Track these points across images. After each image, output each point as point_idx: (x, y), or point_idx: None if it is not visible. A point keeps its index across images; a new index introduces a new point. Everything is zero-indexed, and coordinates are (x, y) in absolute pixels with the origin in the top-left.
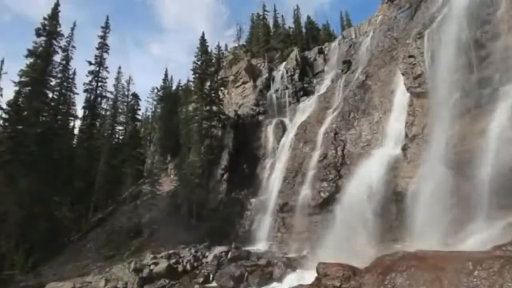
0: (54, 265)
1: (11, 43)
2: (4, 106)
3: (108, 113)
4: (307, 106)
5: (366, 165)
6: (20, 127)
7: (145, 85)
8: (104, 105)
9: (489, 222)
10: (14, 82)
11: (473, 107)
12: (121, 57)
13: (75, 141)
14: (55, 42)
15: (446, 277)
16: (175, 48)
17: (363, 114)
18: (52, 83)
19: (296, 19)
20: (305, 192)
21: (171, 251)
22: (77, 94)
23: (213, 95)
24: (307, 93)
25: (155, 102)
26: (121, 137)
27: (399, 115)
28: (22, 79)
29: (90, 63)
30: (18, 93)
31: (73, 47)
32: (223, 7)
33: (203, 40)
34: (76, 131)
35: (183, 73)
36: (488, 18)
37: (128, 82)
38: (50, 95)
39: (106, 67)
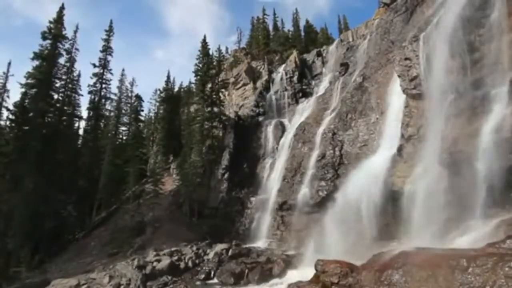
0: (59, 262)
1: (22, 47)
2: (11, 107)
3: (112, 114)
4: (306, 107)
5: (363, 165)
6: (26, 127)
7: (148, 87)
8: (108, 106)
9: (483, 220)
10: (21, 84)
11: (467, 108)
12: (126, 60)
13: (79, 141)
14: (60, 45)
15: (441, 273)
16: (178, 52)
17: (360, 115)
18: (57, 85)
19: (295, 23)
20: (304, 191)
21: (173, 249)
22: (82, 95)
23: (214, 96)
24: (306, 94)
25: (157, 104)
26: (124, 138)
27: (395, 116)
28: (28, 81)
29: (95, 66)
30: (24, 95)
31: (77, 49)
32: (226, 14)
33: (204, 43)
34: (80, 132)
35: (185, 76)
36: (482, 21)
37: (132, 84)
38: (56, 96)
39: (110, 70)
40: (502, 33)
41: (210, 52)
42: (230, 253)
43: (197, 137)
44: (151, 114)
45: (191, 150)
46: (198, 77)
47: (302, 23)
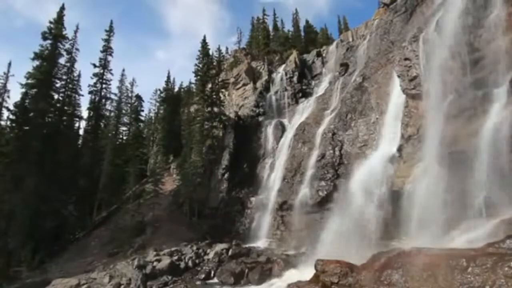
0: (60, 261)
1: (23, 47)
2: (12, 108)
3: (112, 114)
4: (306, 108)
5: (363, 165)
6: (27, 127)
7: (148, 87)
8: (108, 107)
9: (482, 220)
10: (21, 84)
11: (467, 108)
12: (126, 60)
13: (80, 141)
14: (60, 45)
15: (441, 273)
16: (179, 52)
17: (360, 115)
18: (58, 85)
19: (295, 23)
20: (304, 191)
21: (173, 249)
22: (82, 95)
23: (214, 96)
24: (306, 94)
25: (158, 104)
26: (124, 138)
27: (395, 116)
28: (29, 81)
29: (95, 66)
30: (24, 95)
31: (77, 49)
32: (226, 14)
33: (204, 43)
34: (81, 132)
35: (185, 76)
36: (481, 22)
37: (132, 84)
38: (56, 96)
39: (111, 70)
40: (502, 33)
41: (210, 52)
42: (230, 253)
43: (197, 137)
44: (151, 114)
45: (191, 150)
46: (198, 77)
47: (302, 24)
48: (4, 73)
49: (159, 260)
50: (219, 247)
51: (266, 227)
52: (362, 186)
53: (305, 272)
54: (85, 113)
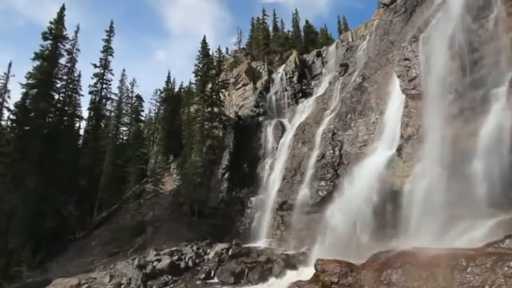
0: (60, 261)
1: (23, 48)
2: (12, 108)
3: (112, 114)
4: (306, 108)
5: (363, 165)
6: (27, 128)
7: (149, 87)
8: (108, 107)
9: (482, 220)
10: (22, 84)
11: (466, 108)
12: (126, 60)
13: (80, 141)
14: (61, 45)
15: (440, 273)
16: (179, 52)
17: (359, 115)
18: (58, 85)
19: (295, 23)
20: (304, 191)
21: (173, 248)
22: (83, 95)
23: (214, 97)
24: (306, 95)
25: (158, 104)
26: (125, 138)
27: (394, 116)
28: (29, 81)
29: (95, 66)
30: (25, 95)
31: (78, 50)
32: (226, 14)
33: (204, 44)
34: (81, 132)
35: (185, 76)
36: (481, 22)
37: (132, 84)
38: (56, 96)
39: (111, 70)
40: (502, 33)
41: (210, 53)
42: (230, 252)
43: (197, 137)
44: (151, 114)
45: (191, 150)
46: (198, 77)
47: (302, 24)
48: (5, 73)
49: (159, 260)
50: (219, 247)
51: (266, 227)
52: (362, 186)
53: (305, 272)
54: (85, 113)
